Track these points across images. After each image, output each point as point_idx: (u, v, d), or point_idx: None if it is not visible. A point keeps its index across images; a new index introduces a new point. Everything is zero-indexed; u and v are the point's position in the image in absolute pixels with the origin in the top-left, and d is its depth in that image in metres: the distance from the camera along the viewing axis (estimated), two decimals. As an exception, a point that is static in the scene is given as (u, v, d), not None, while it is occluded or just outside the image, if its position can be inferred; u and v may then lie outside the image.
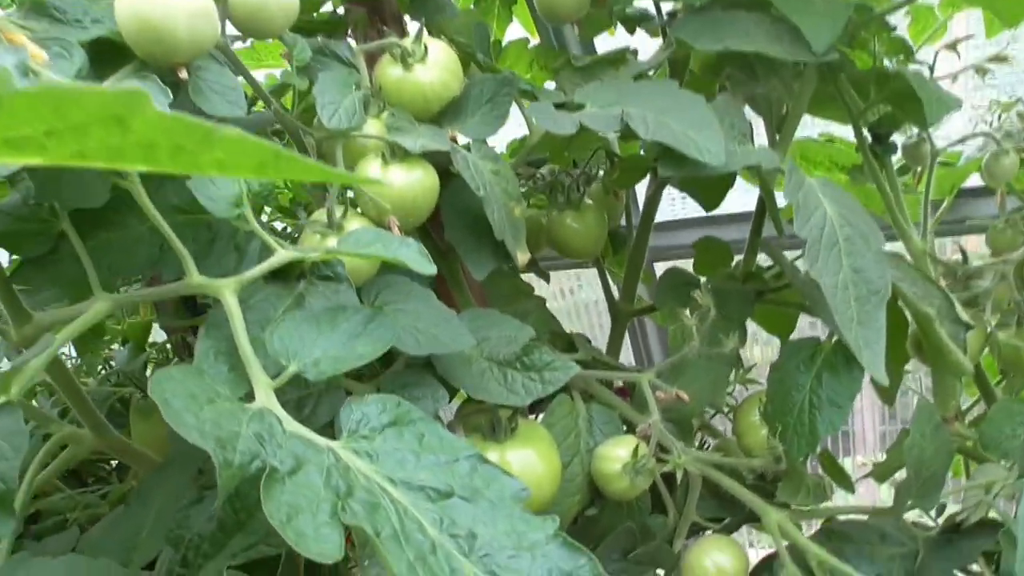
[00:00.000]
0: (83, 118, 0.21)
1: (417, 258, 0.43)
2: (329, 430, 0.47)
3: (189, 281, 0.44)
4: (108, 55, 0.45)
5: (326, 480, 0.35)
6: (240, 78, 0.51)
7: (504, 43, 0.97)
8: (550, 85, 1.02)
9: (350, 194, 0.55)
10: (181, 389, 0.36)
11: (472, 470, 0.38)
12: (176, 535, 0.51)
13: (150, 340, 0.97)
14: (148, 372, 0.89)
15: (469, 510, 0.37)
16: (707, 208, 0.79)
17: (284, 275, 0.49)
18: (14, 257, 0.51)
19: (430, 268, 0.42)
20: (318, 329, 0.43)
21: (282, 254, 0.45)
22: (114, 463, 0.94)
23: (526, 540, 0.36)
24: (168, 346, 0.93)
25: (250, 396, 0.41)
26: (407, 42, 0.59)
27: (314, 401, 0.53)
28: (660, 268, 1.41)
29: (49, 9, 0.43)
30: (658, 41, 0.91)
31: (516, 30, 1.08)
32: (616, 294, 0.87)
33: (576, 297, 1.86)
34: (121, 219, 0.49)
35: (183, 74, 0.44)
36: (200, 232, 0.50)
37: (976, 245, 1.16)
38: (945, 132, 0.88)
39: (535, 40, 1.05)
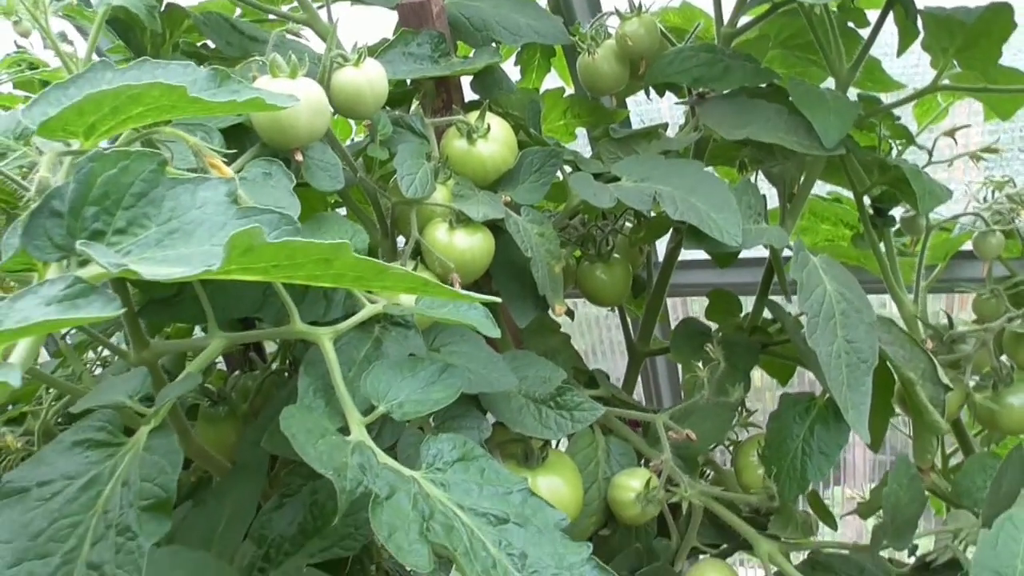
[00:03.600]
0: (303, 260, 0.30)
1: (483, 322, 0.52)
2: (392, 452, 0.56)
3: (293, 327, 0.53)
4: (236, 136, 0.54)
5: (413, 505, 0.44)
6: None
7: (541, 91, 1.06)
8: (581, 132, 1.11)
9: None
10: (301, 425, 0.45)
11: (523, 501, 0.47)
12: (260, 534, 0.60)
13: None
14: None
15: (521, 534, 0.46)
16: (721, 266, 0.88)
17: (364, 321, 0.58)
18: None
19: (494, 331, 0.52)
20: (401, 375, 0.52)
21: (370, 308, 0.55)
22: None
23: (566, 561, 0.45)
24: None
25: (343, 429, 0.50)
26: (472, 118, 0.68)
27: (379, 426, 0.62)
28: (671, 303, 1.50)
29: (193, 98, 0.53)
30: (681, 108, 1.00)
31: (553, 79, 1.17)
32: (634, 335, 0.96)
33: (585, 309, 1.95)
34: (232, 267, 0.58)
35: (299, 156, 0.54)
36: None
37: (967, 301, 1.24)
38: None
39: (571, 89, 1.13)
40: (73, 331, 0.88)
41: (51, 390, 0.89)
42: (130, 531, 0.42)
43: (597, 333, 1.97)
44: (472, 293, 0.43)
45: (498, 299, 0.37)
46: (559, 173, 0.77)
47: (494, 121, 0.69)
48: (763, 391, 1.63)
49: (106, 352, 1.01)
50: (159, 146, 0.44)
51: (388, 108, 0.69)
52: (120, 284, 0.57)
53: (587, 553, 0.46)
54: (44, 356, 1.02)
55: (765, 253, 0.93)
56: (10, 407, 0.93)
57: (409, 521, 0.43)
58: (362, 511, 0.61)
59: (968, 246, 1.09)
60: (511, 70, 1.05)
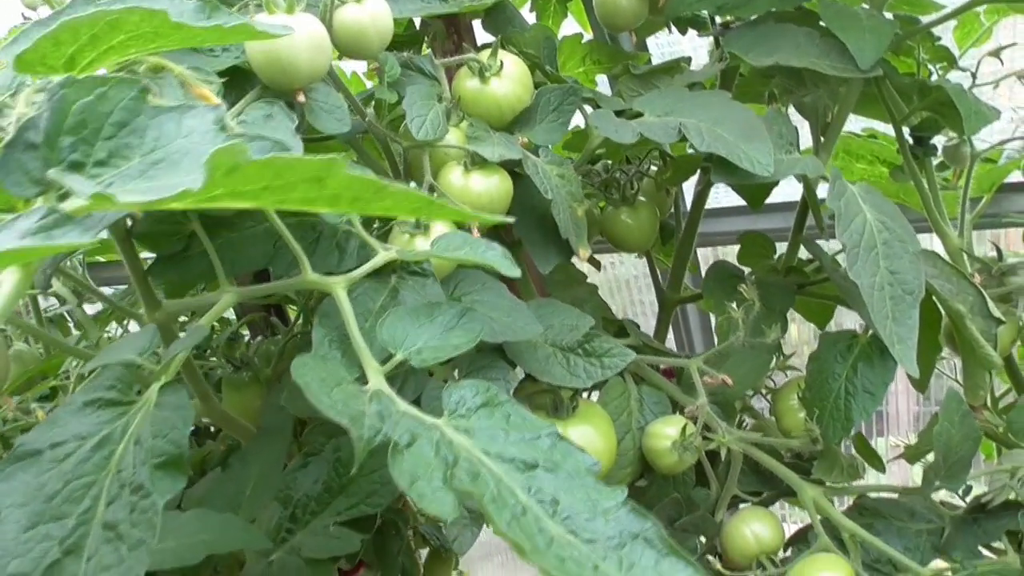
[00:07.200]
0: (294, 179, 0.28)
1: (503, 261, 0.49)
2: (415, 406, 0.54)
3: (305, 278, 0.51)
4: (236, 79, 0.52)
5: (436, 452, 0.41)
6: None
7: (559, 38, 1.02)
8: (602, 78, 1.07)
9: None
10: (315, 374, 0.43)
11: (552, 446, 0.45)
12: (285, 495, 0.59)
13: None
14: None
15: (551, 480, 0.43)
16: (752, 206, 0.84)
17: (379, 270, 0.56)
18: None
19: (514, 271, 0.49)
20: (418, 322, 0.49)
21: (383, 255, 0.52)
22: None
23: (600, 506, 0.43)
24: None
25: (360, 379, 0.48)
26: (484, 56, 0.65)
27: (400, 380, 0.60)
28: (702, 253, 1.46)
29: (187, 41, 0.50)
30: (705, 40, 0.95)
31: (570, 26, 1.13)
32: (663, 282, 0.93)
33: (616, 271, 1.92)
34: (240, 221, 0.56)
35: (301, 98, 0.51)
36: (307, 232, 0.57)
37: (1017, 237, 1.18)
38: (986, 131, 0.91)
39: (589, 35, 1.09)
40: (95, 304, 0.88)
41: (77, 365, 0.89)
42: (144, 489, 0.41)
43: (627, 295, 1.94)
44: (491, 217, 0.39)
45: (510, 220, 0.34)
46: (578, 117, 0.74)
47: (507, 58, 0.65)
48: (800, 345, 1.59)
49: (132, 326, 1.01)
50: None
51: (395, 52, 0.65)
52: (127, 243, 0.56)
53: (622, 497, 0.43)
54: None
55: (796, 196, 0.89)
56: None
57: (432, 468, 0.40)
58: (387, 467, 0.59)
59: (1015, 177, 1.04)
60: (527, 18, 1.01)
